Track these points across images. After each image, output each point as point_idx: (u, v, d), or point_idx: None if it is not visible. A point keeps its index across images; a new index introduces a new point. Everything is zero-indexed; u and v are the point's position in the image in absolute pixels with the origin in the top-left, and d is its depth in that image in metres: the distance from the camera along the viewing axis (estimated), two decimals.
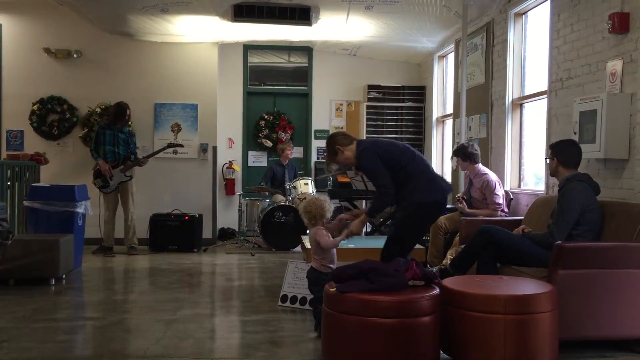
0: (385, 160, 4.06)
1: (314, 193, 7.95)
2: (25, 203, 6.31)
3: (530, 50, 6.21)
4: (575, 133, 4.69)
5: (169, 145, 7.84)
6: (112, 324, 4.29)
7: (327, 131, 9.38)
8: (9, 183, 6.49)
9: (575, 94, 4.92)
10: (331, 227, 4.09)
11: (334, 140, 4.28)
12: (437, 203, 4.12)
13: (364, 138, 9.16)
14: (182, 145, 8.11)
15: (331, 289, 3.34)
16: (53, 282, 5.56)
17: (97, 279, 6.15)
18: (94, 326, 4.31)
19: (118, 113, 7.48)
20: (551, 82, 5.38)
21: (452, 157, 6.85)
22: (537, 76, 5.97)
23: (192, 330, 4.11)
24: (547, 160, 4.37)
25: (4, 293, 5.13)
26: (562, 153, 4.19)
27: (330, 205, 4.09)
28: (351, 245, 4.80)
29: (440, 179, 4.30)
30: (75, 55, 8.23)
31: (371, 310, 3.13)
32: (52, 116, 8.20)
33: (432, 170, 4.31)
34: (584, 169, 4.49)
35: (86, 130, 8.22)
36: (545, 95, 5.54)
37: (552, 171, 4.29)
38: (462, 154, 5.93)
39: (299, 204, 7.65)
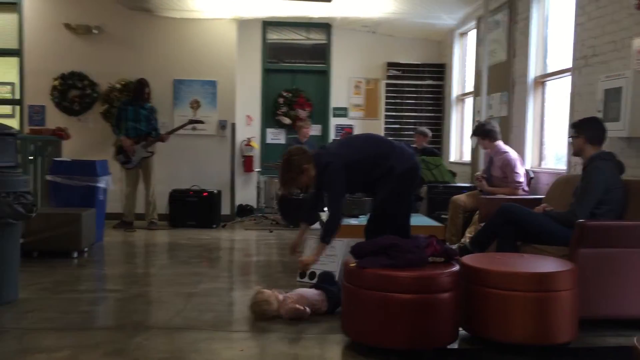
0: (350, 165, 3.84)
1: None
2: (48, 177, 6.39)
3: (553, 27, 6.10)
4: (599, 111, 4.62)
5: (190, 122, 7.88)
6: (133, 297, 4.37)
7: (346, 109, 9.35)
8: (31, 157, 6.57)
9: (600, 71, 4.83)
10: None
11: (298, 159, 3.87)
12: (413, 168, 3.97)
13: (382, 118, 9.14)
14: (202, 122, 8.13)
15: (351, 264, 3.35)
16: (75, 255, 5.65)
17: (118, 252, 6.24)
18: (116, 298, 4.39)
19: (136, 90, 7.57)
20: (575, 59, 5.28)
21: (471, 136, 6.79)
22: (560, 54, 5.88)
23: (212, 303, 4.17)
24: (571, 139, 4.27)
25: (28, 265, 5.21)
26: (588, 130, 4.12)
27: (273, 298, 3.86)
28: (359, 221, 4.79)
29: (403, 146, 4.08)
30: (95, 31, 8.24)
31: (391, 286, 3.13)
32: (73, 92, 8.26)
33: (394, 143, 4.07)
34: (608, 148, 4.42)
35: (107, 106, 8.26)
36: (569, 73, 5.45)
37: (577, 150, 4.20)
38: (481, 132, 5.90)
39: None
